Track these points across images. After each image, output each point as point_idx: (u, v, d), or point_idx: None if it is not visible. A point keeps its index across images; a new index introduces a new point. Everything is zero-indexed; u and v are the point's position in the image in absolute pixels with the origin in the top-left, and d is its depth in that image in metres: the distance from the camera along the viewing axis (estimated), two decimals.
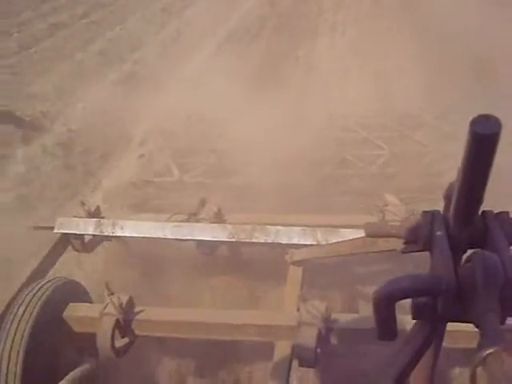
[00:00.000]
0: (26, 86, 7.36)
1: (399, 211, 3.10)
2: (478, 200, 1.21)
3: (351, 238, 2.87)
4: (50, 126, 6.52)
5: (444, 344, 1.47)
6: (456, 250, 1.29)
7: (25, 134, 6.22)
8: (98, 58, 8.68)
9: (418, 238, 1.38)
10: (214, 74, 6.87)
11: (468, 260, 1.25)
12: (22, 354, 2.65)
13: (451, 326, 1.34)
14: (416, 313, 1.29)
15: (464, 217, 1.28)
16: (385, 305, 1.26)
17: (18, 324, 2.69)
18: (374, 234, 1.66)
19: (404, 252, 1.50)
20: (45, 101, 7.00)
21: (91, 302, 3.15)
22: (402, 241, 1.52)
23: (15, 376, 2.63)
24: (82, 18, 10.61)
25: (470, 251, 1.28)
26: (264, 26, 10.42)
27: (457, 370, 3.06)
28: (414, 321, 1.37)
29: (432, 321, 1.33)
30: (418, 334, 1.37)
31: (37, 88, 7.34)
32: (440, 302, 1.24)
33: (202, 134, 5.90)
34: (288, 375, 2.63)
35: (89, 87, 7.28)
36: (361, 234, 2.58)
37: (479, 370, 1.08)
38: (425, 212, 1.38)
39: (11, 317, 2.72)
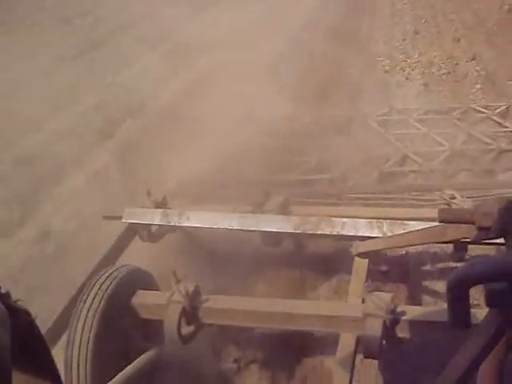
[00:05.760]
0: None
1: (465, 204, 3.04)
2: None
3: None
4: None
5: None
6: None
7: None
8: None
9: (492, 223, 1.35)
10: None
11: None
12: (92, 338, 2.73)
13: None
14: (490, 300, 1.26)
15: None
16: (459, 290, 1.23)
17: (89, 308, 2.77)
18: (447, 219, 1.63)
19: (477, 240, 1.47)
20: None
21: (158, 290, 3.20)
22: (471, 230, 1.49)
23: (86, 359, 2.71)
24: None
25: None
26: None
27: None
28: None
29: (506, 309, 1.30)
30: (491, 323, 1.34)
31: None
32: None
33: None
34: (353, 367, 2.62)
35: None
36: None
37: None
38: (500, 198, 1.35)
39: (83, 301, 2.81)
